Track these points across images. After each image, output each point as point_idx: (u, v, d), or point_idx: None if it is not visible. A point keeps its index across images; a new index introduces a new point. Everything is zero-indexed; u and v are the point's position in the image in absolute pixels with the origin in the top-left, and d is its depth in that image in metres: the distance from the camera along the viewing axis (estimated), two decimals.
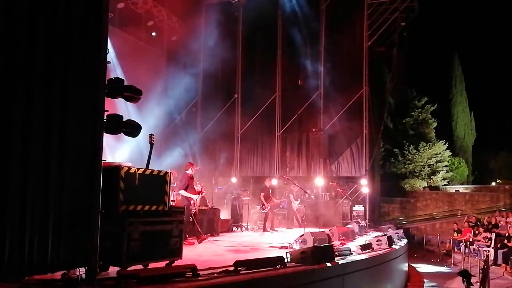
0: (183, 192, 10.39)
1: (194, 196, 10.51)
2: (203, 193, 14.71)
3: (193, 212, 10.42)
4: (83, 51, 4.84)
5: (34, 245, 4.29)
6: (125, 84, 5.52)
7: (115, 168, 5.70)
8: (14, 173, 4.18)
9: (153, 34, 19.97)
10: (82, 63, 4.81)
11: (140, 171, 5.97)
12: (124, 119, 5.49)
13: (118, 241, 5.52)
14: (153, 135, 6.60)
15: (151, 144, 6.54)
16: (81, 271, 4.86)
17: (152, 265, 5.94)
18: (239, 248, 9.93)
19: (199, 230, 10.47)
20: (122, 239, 5.52)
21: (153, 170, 6.23)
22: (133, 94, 5.58)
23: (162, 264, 6.14)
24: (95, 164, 4.90)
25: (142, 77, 15.45)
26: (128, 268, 5.50)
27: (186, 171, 10.73)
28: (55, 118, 4.53)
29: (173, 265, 6.17)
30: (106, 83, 5.16)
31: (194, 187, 10.82)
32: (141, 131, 5.69)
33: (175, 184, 11.84)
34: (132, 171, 5.82)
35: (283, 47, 19.80)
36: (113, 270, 5.49)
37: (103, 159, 5.05)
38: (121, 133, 5.45)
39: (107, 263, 5.59)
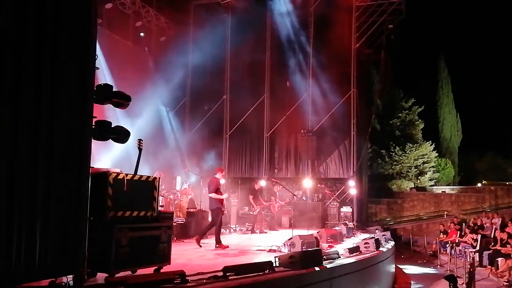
0: (213, 195, 10.67)
1: (224, 196, 10.98)
2: (192, 195, 14.74)
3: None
4: (72, 57, 4.79)
5: (22, 253, 4.23)
6: (113, 90, 5.48)
7: (104, 174, 5.66)
8: (1, 181, 4.12)
9: (142, 34, 19.89)
10: (70, 69, 4.76)
11: (129, 177, 5.92)
12: (113, 124, 5.47)
13: (107, 247, 5.46)
14: (142, 140, 6.54)
15: (140, 150, 6.49)
16: (69, 278, 4.81)
17: (140, 271, 5.91)
18: (228, 252, 9.94)
19: (219, 238, 10.53)
20: (111, 245, 5.47)
21: (141, 176, 6.19)
22: (121, 100, 5.55)
23: (150, 270, 6.12)
24: (83, 170, 4.85)
25: (130, 77, 15.36)
26: (116, 275, 5.47)
27: (215, 175, 11.15)
28: (42, 125, 4.47)
29: (161, 271, 6.14)
30: (95, 89, 5.12)
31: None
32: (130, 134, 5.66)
33: (163, 186, 11.93)
34: (120, 177, 5.77)
35: (272, 49, 19.82)
36: (101, 276, 5.46)
37: (91, 165, 5.02)
38: (110, 139, 5.41)
39: (95, 269, 5.56)
